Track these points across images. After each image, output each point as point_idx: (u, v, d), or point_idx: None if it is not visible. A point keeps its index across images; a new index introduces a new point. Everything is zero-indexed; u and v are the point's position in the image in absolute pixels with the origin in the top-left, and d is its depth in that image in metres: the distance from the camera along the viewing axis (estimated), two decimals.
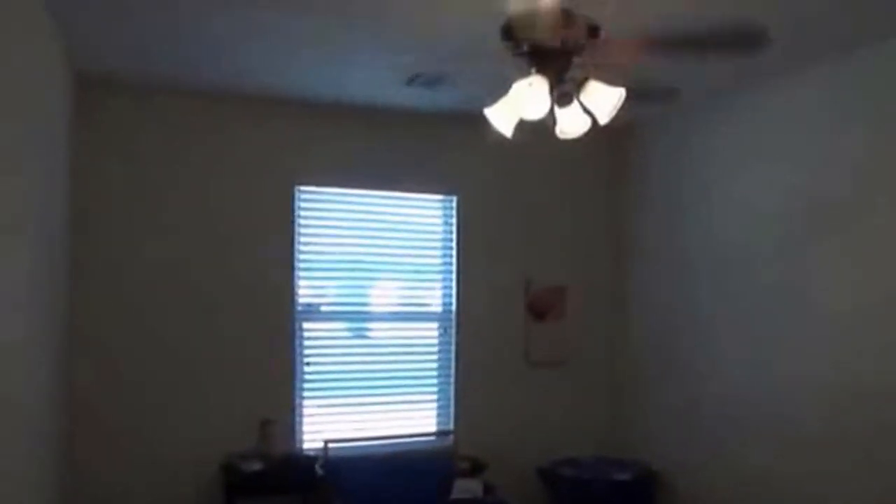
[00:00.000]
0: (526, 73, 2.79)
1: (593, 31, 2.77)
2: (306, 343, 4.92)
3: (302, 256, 4.90)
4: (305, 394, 4.91)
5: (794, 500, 4.19)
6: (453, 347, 5.28)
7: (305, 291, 4.93)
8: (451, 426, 5.25)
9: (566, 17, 2.66)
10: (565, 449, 5.40)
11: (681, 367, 5.11)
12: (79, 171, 4.31)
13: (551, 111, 2.85)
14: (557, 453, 5.36)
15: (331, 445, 4.83)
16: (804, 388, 4.16)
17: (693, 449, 4.96)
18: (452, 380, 5.27)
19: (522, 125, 2.95)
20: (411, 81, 3.76)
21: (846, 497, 3.88)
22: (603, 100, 2.83)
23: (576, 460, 5.30)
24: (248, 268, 4.75)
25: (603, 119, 2.87)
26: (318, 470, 4.64)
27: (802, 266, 4.20)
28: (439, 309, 5.30)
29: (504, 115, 2.92)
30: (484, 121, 2.98)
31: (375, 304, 5.20)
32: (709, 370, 4.85)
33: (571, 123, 2.97)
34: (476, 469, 4.94)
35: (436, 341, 5.29)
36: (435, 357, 5.29)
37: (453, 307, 5.29)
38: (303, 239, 4.91)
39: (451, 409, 5.27)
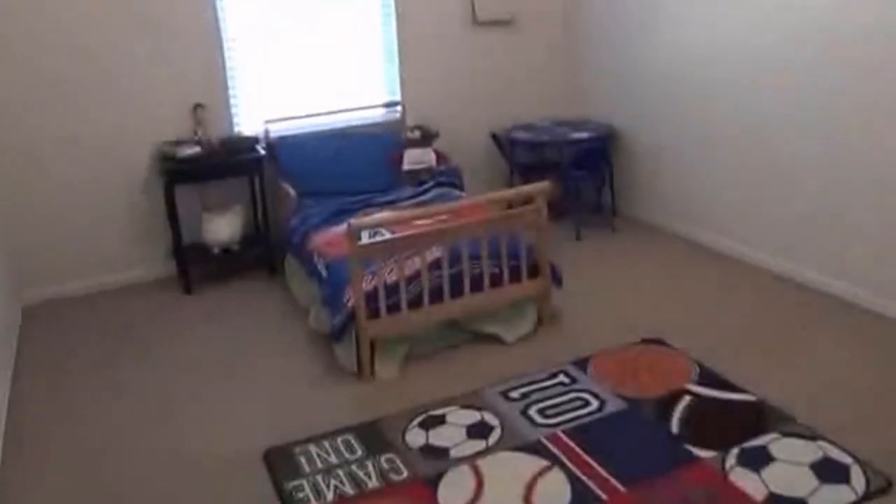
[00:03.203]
0: None
1: None
2: (230, 15, 4.42)
3: None
4: (237, 73, 4.52)
5: (724, 146, 4.18)
6: (394, 7, 4.79)
7: None
8: (399, 98, 4.95)
9: None
10: (520, 115, 5.19)
11: (631, 28, 4.78)
12: None
13: None
14: (512, 119, 5.15)
15: (273, 126, 4.58)
16: (737, 55, 4.09)
17: (647, 108, 4.78)
18: (396, 46, 4.86)
19: None
20: None
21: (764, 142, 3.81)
22: None
23: (532, 125, 5.11)
24: None
25: None
26: (260, 150, 4.41)
27: None
28: None
29: None
30: None
31: None
32: (657, 29, 4.59)
33: None
34: (426, 138, 4.73)
35: (378, 4, 4.79)
36: (378, 21, 4.81)
37: None
38: None
39: (397, 80, 4.92)
